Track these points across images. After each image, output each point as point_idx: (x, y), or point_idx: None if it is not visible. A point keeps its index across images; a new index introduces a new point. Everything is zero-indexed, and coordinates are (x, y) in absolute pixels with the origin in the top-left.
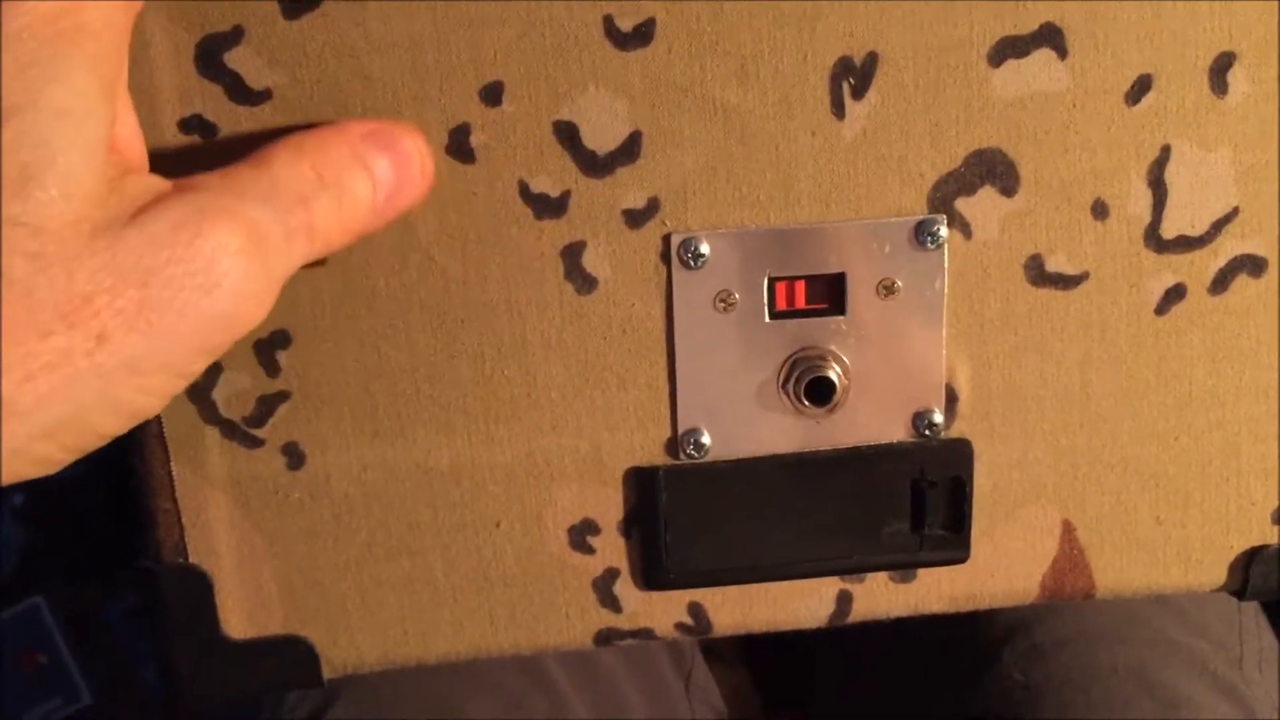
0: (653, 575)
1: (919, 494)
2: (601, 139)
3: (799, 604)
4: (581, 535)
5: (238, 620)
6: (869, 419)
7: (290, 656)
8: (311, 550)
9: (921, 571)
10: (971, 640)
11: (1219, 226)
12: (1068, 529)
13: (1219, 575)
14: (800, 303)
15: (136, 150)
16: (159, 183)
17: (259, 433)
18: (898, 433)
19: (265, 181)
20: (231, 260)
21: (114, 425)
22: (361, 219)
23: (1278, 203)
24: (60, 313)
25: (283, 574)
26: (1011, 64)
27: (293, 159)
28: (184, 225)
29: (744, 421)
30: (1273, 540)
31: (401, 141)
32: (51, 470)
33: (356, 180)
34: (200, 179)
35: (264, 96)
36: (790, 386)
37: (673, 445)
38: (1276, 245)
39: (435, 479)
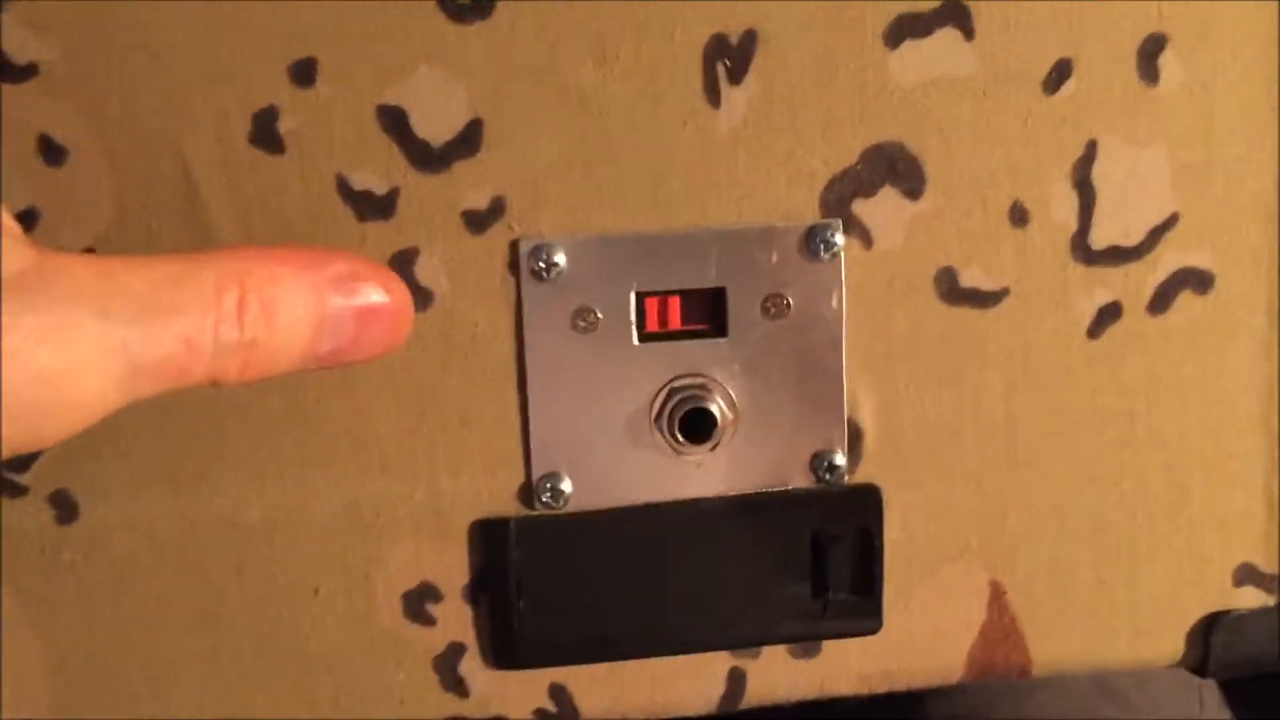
0: (505, 651)
1: (820, 550)
2: (435, 127)
3: (683, 685)
4: (419, 603)
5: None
6: (759, 461)
7: None
8: (87, 621)
9: (827, 645)
10: None
11: (1157, 235)
12: (997, 592)
13: (1174, 647)
14: (674, 323)
15: None
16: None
17: (21, 479)
18: (794, 477)
19: (170, 298)
20: (86, 388)
21: None
22: (278, 369)
23: (1227, 206)
24: None
25: (50, 651)
26: (911, 45)
27: (221, 280)
28: (46, 334)
29: (611, 464)
30: (1236, 604)
31: (374, 293)
32: None
33: (296, 333)
34: (80, 266)
35: (29, 72)
36: (664, 421)
37: (526, 493)
38: (1228, 256)
39: (243, 536)
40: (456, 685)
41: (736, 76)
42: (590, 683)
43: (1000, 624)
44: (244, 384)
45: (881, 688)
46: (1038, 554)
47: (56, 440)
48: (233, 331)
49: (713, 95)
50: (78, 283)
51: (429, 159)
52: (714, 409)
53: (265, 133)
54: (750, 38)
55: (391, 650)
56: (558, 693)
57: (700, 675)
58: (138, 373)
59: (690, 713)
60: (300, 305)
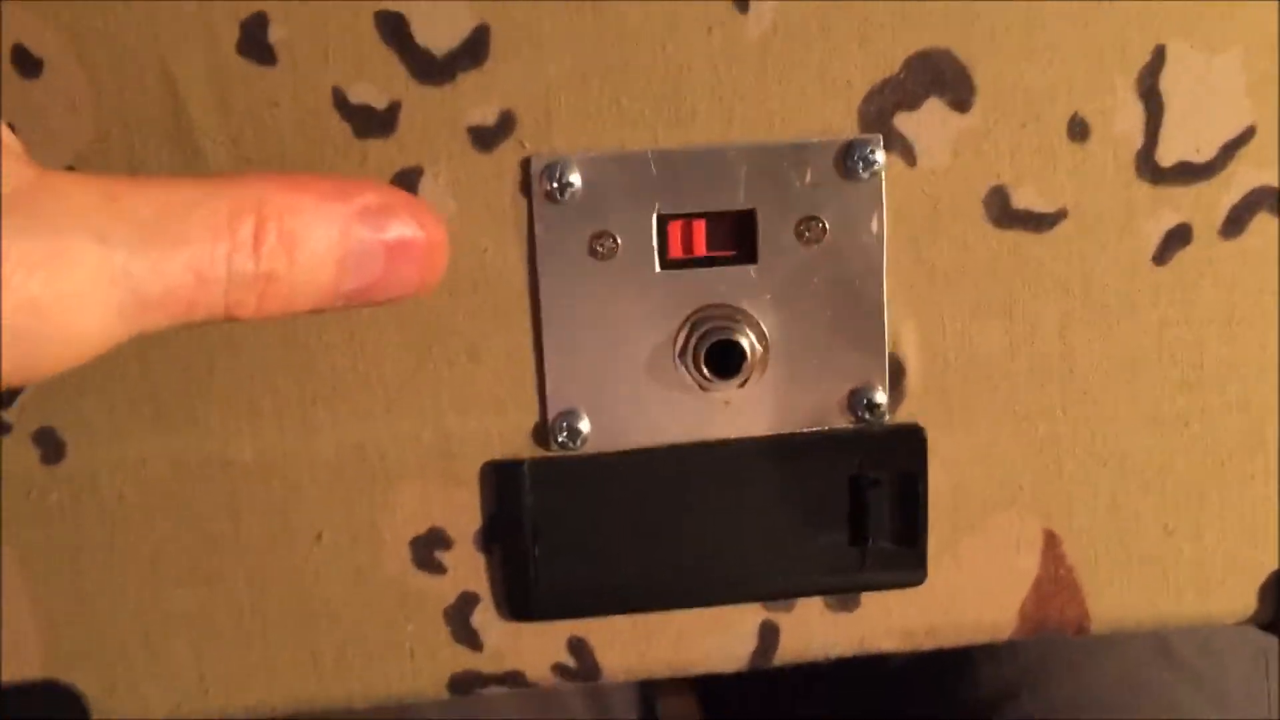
0: (521, 602)
1: (860, 495)
2: (438, 35)
3: (711, 641)
4: (428, 550)
5: None
6: (793, 398)
7: (52, 709)
8: (77, 571)
9: (866, 598)
10: (948, 712)
11: (1230, 151)
12: (1051, 542)
13: (1245, 603)
14: (699, 248)
15: None
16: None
17: (4, 415)
18: (830, 416)
19: (178, 225)
20: (84, 319)
21: None
22: (299, 306)
23: None
24: None
25: (41, 602)
26: None
27: (237, 207)
28: (40, 260)
29: (632, 401)
30: None
31: (408, 225)
32: None
33: (318, 267)
34: (82, 187)
35: None
36: (689, 355)
37: (541, 432)
38: None
39: (237, 477)
40: (469, 638)
41: None
42: (612, 636)
43: (1055, 576)
44: (262, 320)
45: (926, 645)
46: (1096, 501)
47: (54, 373)
48: (248, 262)
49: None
50: (78, 205)
51: (432, 70)
52: (743, 341)
53: (255, 42)
54: None
55: (400, 601)
56: (577, 646)
57: (730, 629)
58: (142, 304)
59: (719, 670)
60: (324, 237)
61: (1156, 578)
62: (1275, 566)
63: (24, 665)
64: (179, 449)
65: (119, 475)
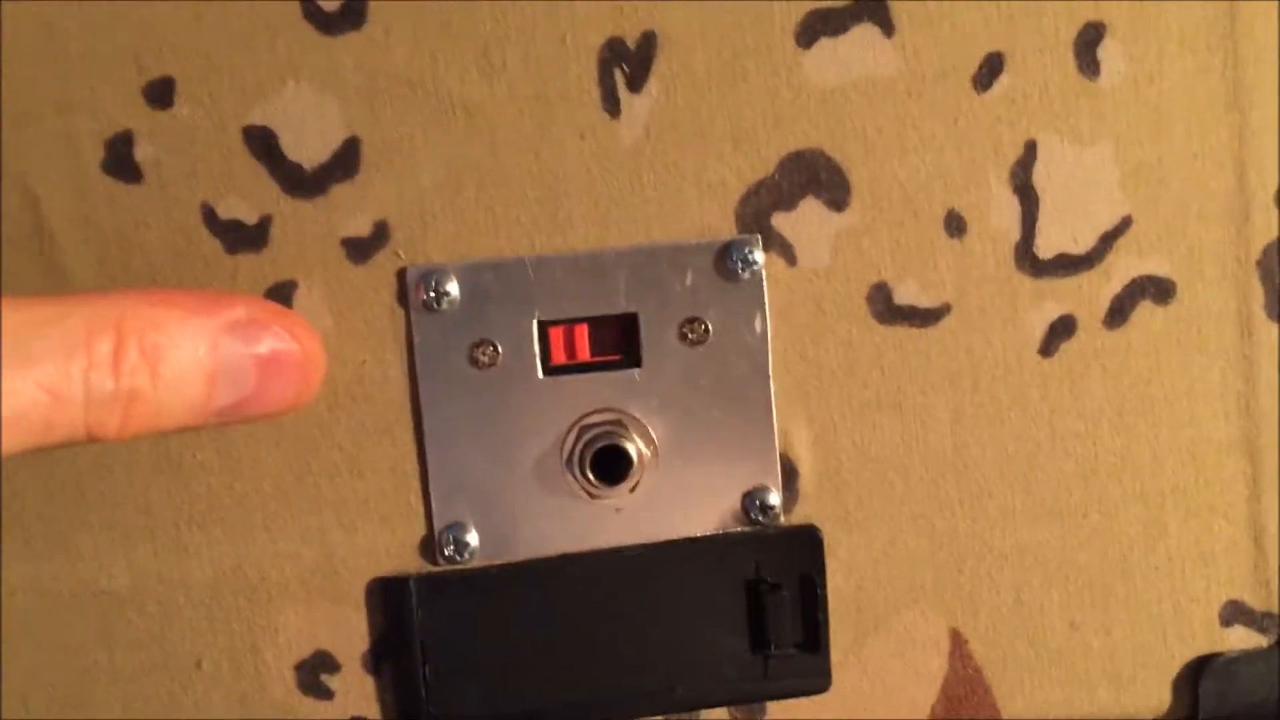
0: None
1: (758, 600)
2: (308, 149)
3: None
4: (314, 674)
5: None
6: (685, 503)
7: None
8: None
9: (773, 707)
10: None
11: (1108, 241)
12: (958, 641)
13: (1159, 698)
14: (583, 353)
15: None
16: None
17: None
18: (724, 520)
19: (32, 343)
20: None
21: None
22: (168, 424)
23: (1184, 208)
24: None
25: None
26: (826, 44)
27: (95, 323)
28: None
29: (520, 511)
30: (1225, 646)
31: (280, 338)
32: None
33: (186, 384)
34: None
35: None
36: (576, 462)
37: (429, 547)
38: (1188, 262)
39: (110, 605)
40: None
41: (636, 83)
42: None
43: (964, 676)
44: (126, 439)
45: None
46: (1001, 598)
47: None
48: (107, 380)
49: (611, 104)
50: None
51: (303, 183)
52: (630, 447)
53: (120, 160)
54: (649, 40)
55: None
56: None
57: None
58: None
59: None
60: (190, 353)
61: (1067, 675)
62: (1188, 659)
63: None
64: (49, 577)
65: None
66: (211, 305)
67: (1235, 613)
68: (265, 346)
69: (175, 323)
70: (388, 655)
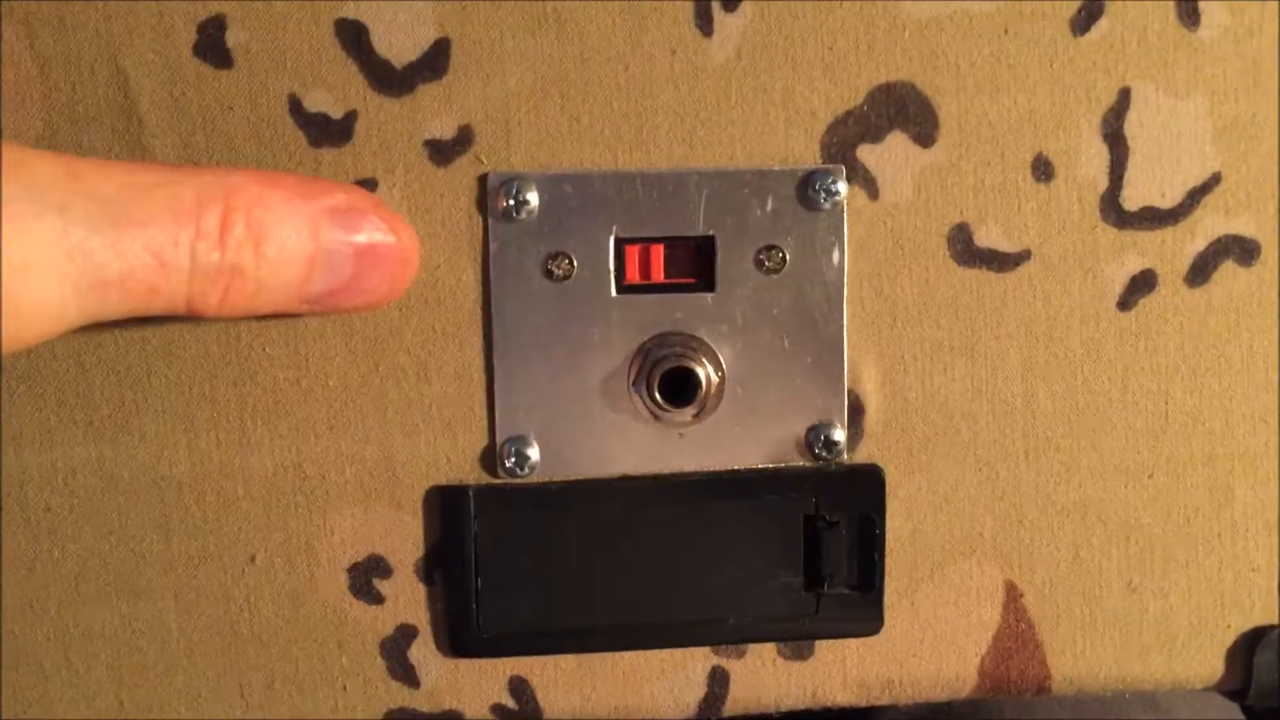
0: (462, 637)
1: (815, 538)
2: (398, 46)
3: (658, 685)
4: (366, 577)
5: None
6: (748, 433)
7: None
8: None
9: (821, 647)
10: None
11: (1195, 197)
12: (1012, 594)
13: (1212, 668)
14: (657, 274)
15: None
16: None
17: None
18: (787, 453)
19: (141, 206)
20: (40, 293)
21: None
22: (264, 306)
23: (1275, 169)
24: None
25: None
26: None
27: (204, 194)
28: None
29: (584, 429)
30: None
31: (379, 229)
32: None
33: (287, 266)
34: (45, 161)
35: None
36: (643, 383)
37: (490, 458)
38: (1275, 224)
39: (169, 492)
40: (406, 673)
41: (731, 3)
42: (555, 677)
43: (1016, 630)
44: (224, 318)
45: (882, 699)
46: (1059, 554)
47: (9, 351)
48: (212, 252)
49: (704, 22)
50: (39, 178)
51: (390, 81)
52: (699, 371)
53: (211, 45)
54: None
55: (334, 630)
56: (518, 687)
57: (678, 675)
58: (102, 284)
59: (665, 717)
60: (293, 234)
61: (1120, 637)
62: (1244, 629)
63: None
64: (111, 460)
65: (45, 486)
66: (316, 190)
67: None
68: (364, 236)
69: (281, 203)
70: (441, 564)
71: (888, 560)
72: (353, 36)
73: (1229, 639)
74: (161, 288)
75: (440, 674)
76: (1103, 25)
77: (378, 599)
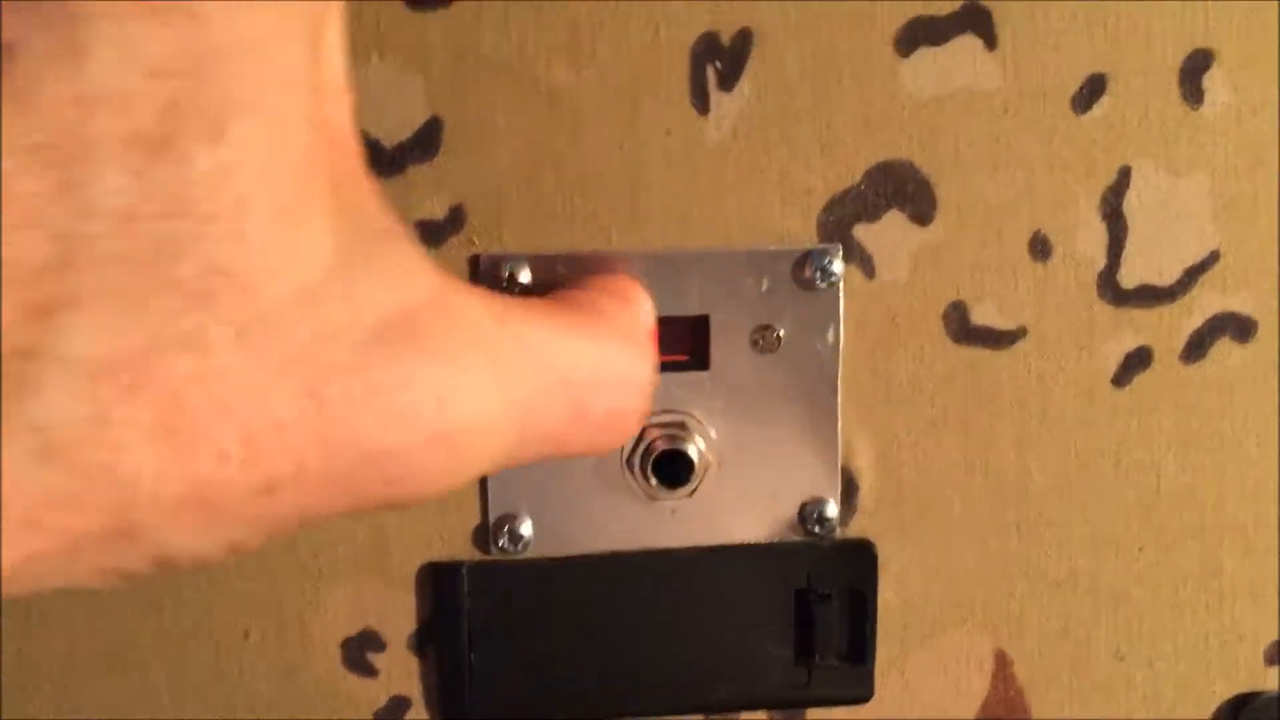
0: (454, 708)
1: (807, 610)
2: (389, 126)
3: None
4: (360, 651)
5: None
6: (742, 509)
7: None
8: None
9: (812, 715)
10: None
11: (1193, 275)
12: (1002, 663)
13: None
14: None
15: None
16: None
17: None
18: (780, 528)
19: (564, 321)
20: (476, 454)
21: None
22: (618, 437)
23: (1274, 247)
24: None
25: None
26: (926, 52)
27: (618, 306)
28: (445, 393)
29: (576, 507)
30: (1268, 685)
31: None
32: None
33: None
34: (480, 308)
35: None
36: (637, 462)
37: (482, 535)
38: (1272, 302)
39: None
40: None
41: (728, 81)
42: None
43: (1005, 698)
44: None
45: None
46: (1049, 624)
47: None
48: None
49: (700, 101)
50: (477, 328)
51: (381, 161)
52: (692, 450)
53: None
54: (745, 38)
55: (329, 703)
56: None
57: None
58: (523, 443)
59: None
60: (643, 340)
61: (1107, 704)
62: (1228, 695)
63: None
64: None
65: None
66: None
67: None
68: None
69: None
70: (434, 638)
71: (879, 630)
72: None
73: (1214, 704)
74: (572, 440)
75: None
76: (1104, 103)
77: (371, 672)
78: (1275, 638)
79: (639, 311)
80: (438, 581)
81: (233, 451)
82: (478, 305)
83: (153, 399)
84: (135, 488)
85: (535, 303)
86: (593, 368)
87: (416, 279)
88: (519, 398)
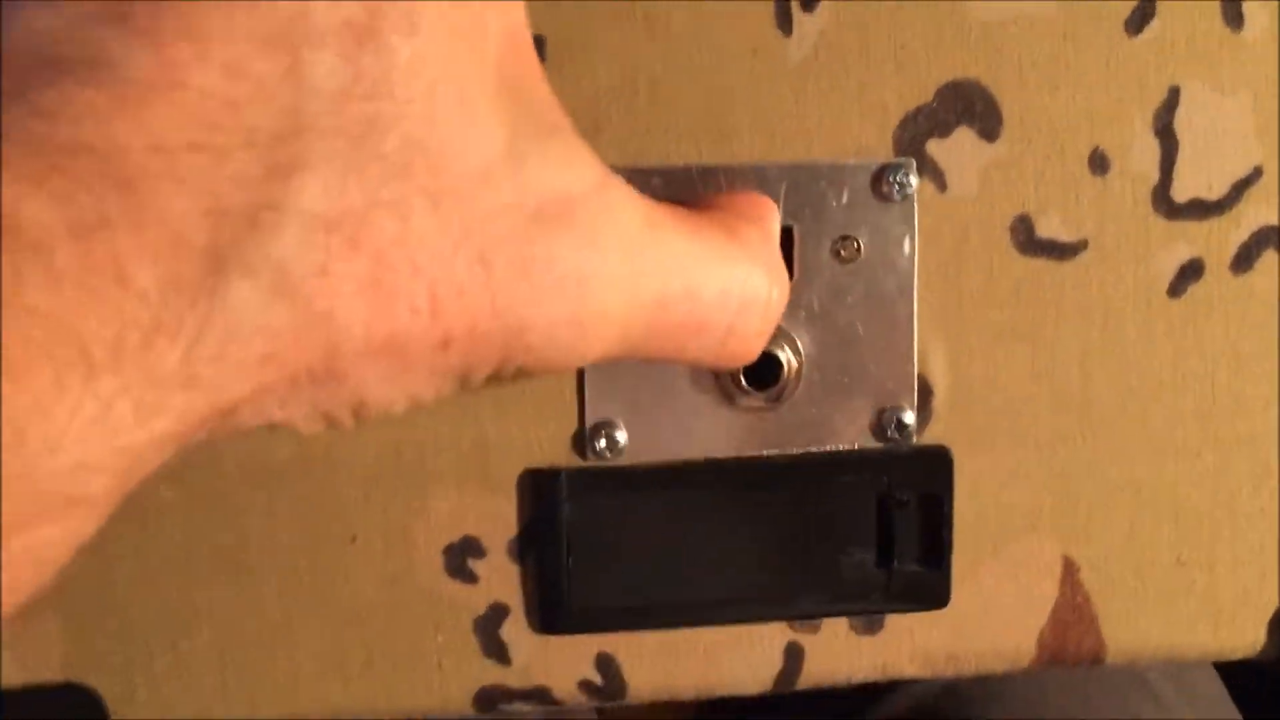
0: (552, 615)
1: (886, 517)
2: None
3: (738, 660)
4: (461, 558)
5: (4, 664)
6: (824, 415)
7: (71, 711)
8: (106, 567)
9: (890, 621)
10: None
11: (1240, 189)
12: (1070, 569)
13: (1254, 638)
14: None
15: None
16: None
17: None
18: (859, 435)
19: (720, 235)
20: (598, 339)
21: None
22: (739, 354)
23: None
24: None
25: (63, 603)
26: None
27: (753, 232)
28: (584, 277)
29: (669, 413)
30: None
31: None
32: None
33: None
34: (633, 209)
35: None
36: None
37: (580, 442)
38: None
39: (272, 476)
40: (498, 651)
41: (809, 4)
42: (640, 654)
43: (1073, 604)
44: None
45: (947, 671)
46: (1113, 530)
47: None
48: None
49: (784, 22)
50: (626, 225)
51: None
52: (780, 355)
53: None
54: None
55: (430, 609)
56: (605, 664)
57: (756, 650)
58: (644, 339)
59: (743, 692)
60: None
61: (1171, 609)
62: None
63: (43, 665)
64: (220, 451)
65: (160, 475)
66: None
67: None
68: None
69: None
70: (533, 545)
71: (954, 537)
72: None
73: (1270, 611)
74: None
75: (531, 651)
76: (1154, 26)
77: (472, 578)
78: None
79: (770, 235)
80: (537, 487)
81: (422, 307)
82: (630, 205)
83: (366, 254)
84: (347, 332)
85: (682, 213)
86: (721, 288)
87: (579, 170)
88: (648, 299)
